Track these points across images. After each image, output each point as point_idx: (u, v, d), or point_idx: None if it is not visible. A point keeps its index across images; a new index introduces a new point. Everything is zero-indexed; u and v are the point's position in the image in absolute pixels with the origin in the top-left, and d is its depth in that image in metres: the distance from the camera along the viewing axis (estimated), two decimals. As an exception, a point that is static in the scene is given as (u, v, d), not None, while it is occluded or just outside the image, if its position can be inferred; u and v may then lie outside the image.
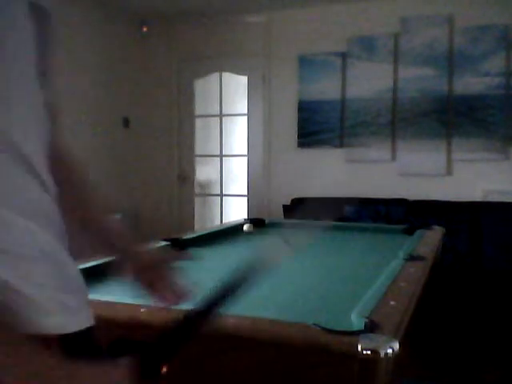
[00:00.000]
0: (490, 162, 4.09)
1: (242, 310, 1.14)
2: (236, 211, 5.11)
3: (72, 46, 4.30)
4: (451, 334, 3.35)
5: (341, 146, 4.51)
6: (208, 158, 5.16)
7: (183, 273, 1.16)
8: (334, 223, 3.07)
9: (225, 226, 2.79)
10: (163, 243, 2.11)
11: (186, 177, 5.10)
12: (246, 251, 2.24)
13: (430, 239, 2.33)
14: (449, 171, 4.22)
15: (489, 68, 4.05)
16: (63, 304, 0.71)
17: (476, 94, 4.09)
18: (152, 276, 1.00)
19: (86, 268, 1.63)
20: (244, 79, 4.90)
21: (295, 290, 1.51)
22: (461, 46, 4.13)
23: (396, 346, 0.93)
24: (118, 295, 1.35)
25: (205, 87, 5.11)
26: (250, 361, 0.99)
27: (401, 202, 4.08)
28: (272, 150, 4.79)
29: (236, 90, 5.05)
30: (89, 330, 0.78)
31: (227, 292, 0.83)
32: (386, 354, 0.91)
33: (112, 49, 4.77)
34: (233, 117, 5.09)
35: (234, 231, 2.67)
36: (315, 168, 4.62)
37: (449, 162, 4.21)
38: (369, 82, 4.38)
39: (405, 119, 4.30)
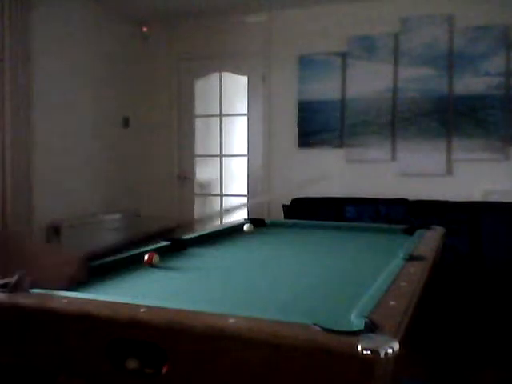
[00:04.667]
0: (490, 162, 4.09)
1: (242, 310, 1.14)
2: (236, 211, 5.11)
3: (72, 46, 4.31)
4: (451, 334, 3.35)
5: (341, 146, 4.52)
6: (208, 158, 5.16)
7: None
8: (334, 223, 3.07)
9: (225, 226, 2.79)
10: (163, 243, 2.10)
11: (186, 177, 5.10)
12: (247, 251, 2.24)
13: (430, 239, 2.32)
14: (449, 171, 4.22)
15: (489, 68, 4.05)
16: None
17: (476, 94, 4.09)
18: None
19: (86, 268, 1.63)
20: (244, 79, 4.90)
21: (295, 290, 1.51)
22: (461, 46, 4.13)
23: (396, 346, 0.93)
24: (118, 295, 1.35)
25: (205, 87, 5.11)
26: (250, 361, 0.99)
27: (401, 202, 4.08)
28: (272, 150, 4.79)
29: (236, 90, 5.04)
30: None
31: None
32: (386, 354, 0.91)
33: (112, 49, 4.77)
34: (233, 117, 5.09)
35: (233, 231, 2.66)
36: (315, 168, 4.62)
37: (449, 162, 4.21)
38: (369, 82, 4.38)
39: (405, 119, 4.30)
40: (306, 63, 4.58)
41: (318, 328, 0.99)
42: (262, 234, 2.69)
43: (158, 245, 2.06)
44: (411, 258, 1.77)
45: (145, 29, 5.02)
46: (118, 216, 4.68)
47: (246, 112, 4.92)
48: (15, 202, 3.67)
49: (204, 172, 5.20)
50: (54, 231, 4.05)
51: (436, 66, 4.20)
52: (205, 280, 1.66)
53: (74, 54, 4.32)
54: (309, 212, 4.19)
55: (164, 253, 1.96)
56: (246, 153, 4.94)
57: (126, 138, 4.97)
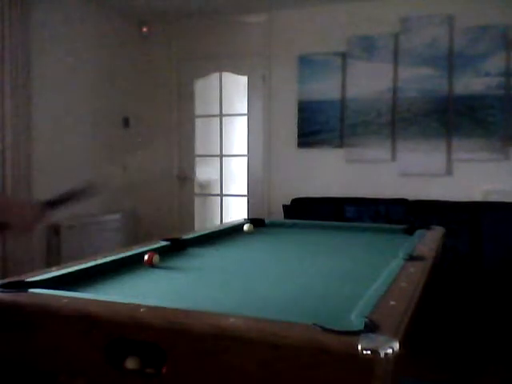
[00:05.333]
0: (490, 162, 4.09)
1: (242, 310, 1.14)
2: (236, 211, 5.11)
3: (72, 46, 4.31)
4: (451, 334, 3.35)
5: (341, 146, 4.51)
6: (208, 158, 5.16)
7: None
8: (334, 223, 3.07)
9: (225, 226, 2.79)
10: (163, 243, 2.10)
11: (185, 177, 5.10)
12: (246, 251, 2.24)
13: (430, 239, 2.33)
14: (449, 171, 4.22)
15: (489, 68, 4.05)
16: None
17: (476, 94, 4.09)
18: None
19: (86, 268, 1.63)
20: (244, 79, 4.90)
21: (295, 290, 1.51)
22: (461, 46, 4.13)
23: (396, 346, 0.93)
24: (118, 295, 1.35)
25: (205, 87, 5.11)
26: (250, 361, 0.99)
27: (401, 202, 4.08)
28: (272, 150, 4.79)
29: (236, 90, 5.05)
30: None
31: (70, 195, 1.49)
32: (386, 354, 0.91)
33: (112, 49, 4.77)
34: (233, 117, 5.09)
35: (233, 231, 2.66)
36: (315, 168, 4.62)
37: (449, 161, 4.21)
38: (369, 82, 4.38)
39: (405, 119, 4.30)
40: (306, 63, 4.58)
41: (318, 328, 0.99)
42: (262, 234, 2.69)
43: (158, 245, 2.06)
44: (411, 258, 1.78)
45: (145, 29, 5.02)
46: (117, 216, 4.69)
47: (246, 112, 4.92)
48: (15, 202, 3.67)
49: (204, 172, 5.20)
50: (54, 231, 4.05)
51: (436, 66, 4.20)
52: (205, 280, 1.66)
53: (73, 54, 4.31)
54: (309, 212, 4.19)
55: (164, 253, 1.96)
56: (246, 153, 4.94)
57: (126, 138, 4.97)
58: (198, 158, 5.13)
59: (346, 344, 0.93)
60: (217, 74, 4.99)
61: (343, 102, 4.49)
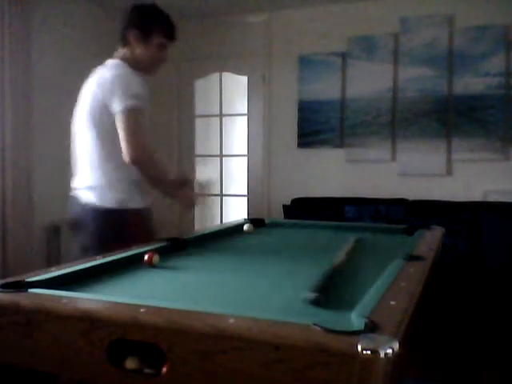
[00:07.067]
0: (490, 162, 4.10)
1: (243, 310, 1.14)
2: (236, 211, 5.11)
3: (71, 46, 4.31)
4: (451, 334, 3.35)
5: (341, 146, 4.52)
6: (208, 158, 5.16)
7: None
8: (334, 223, 3.07)
9: (225, 226, 2.79)
10: (163, 243, 2.10)
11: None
12: (246, 251, 2.24)
13: (430, 239, 2.32)
14: (449, 171, 4.22)
15: (489, 68, 4.05)
16: None
17: (476, 94, 4.09)
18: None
19: (86, 268, 1.63)
20: (244, 79, 4.90)
21: (295, 289, 1.51)
22: (461, 46, 4.14)
23: (396, 346, 0.93)
24: (118, 295, 1.35)
25: (205, 87, 5.11)
26: (250, 361, 0.99)
27: (401, 202, 4.08)
28: (272, 150, 4.79)
29: (236, 90, 5.04)
30: None
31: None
32: (386, 354, 0.91)
33: (112, 49, 4.75)
34: (233, 117, 5.09)
35: (233, 231, 2.66)
36: (315, 168, 4.62)
37: (449, 162, 4.21)
38: (369, 82, 4.38)
39: (405, 119, 4.31)
40: (306, 63, 4.58)
41: (318, 328, 0.99)
42: (262, 234, 2.69)
43: (158, 245, 2.06)
44: (411, 258, 1.77)
45: (145, 29, 5.01)
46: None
47: (246, 112, 4.92)
48: (15, 202, 3.67)
49: (204, 172, 5.20)
50: (54, 231, 4.05)
51: (436, 66, 4.20)
52: (205, 280, 1.66)
53: (74, 54, 4.31)
54: (309, 212, 4.19)
55: (164, 253, 1.96)
56: (246, 153, 4.94)
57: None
58: (197, 158, 5.13)
59: (346, 344, 0.93)
60: (217, 74, 4.99)
61: (343, 102, 4.49)
